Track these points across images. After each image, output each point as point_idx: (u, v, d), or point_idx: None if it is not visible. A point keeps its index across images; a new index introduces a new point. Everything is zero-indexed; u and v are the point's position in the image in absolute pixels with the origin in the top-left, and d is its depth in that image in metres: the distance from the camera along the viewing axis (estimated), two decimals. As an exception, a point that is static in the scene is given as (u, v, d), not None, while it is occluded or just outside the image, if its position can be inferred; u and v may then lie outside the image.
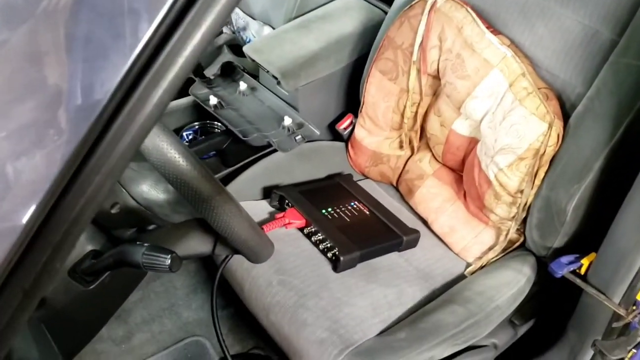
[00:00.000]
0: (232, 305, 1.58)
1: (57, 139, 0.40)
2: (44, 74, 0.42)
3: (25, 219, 0.42)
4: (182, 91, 1.70)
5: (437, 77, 1.35)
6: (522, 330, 1.30)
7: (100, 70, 0.40)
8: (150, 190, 0.84)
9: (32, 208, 0.41)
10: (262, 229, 1.24)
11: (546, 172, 1.16)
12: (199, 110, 1.62)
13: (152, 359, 1.47)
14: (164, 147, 0.72)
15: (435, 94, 1.39)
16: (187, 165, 0.73)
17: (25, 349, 0.72)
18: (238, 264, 1.24)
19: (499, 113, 1.18)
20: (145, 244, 0.78)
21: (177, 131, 1.61)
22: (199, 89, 1.56)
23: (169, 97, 0.45)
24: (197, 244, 0.88)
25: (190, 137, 1.61)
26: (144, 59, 0.42)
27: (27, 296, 0.42)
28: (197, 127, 1.63)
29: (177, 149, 0.73)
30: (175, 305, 1.59)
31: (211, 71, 1.62)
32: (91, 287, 0.84)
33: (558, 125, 1.13)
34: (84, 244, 0.84)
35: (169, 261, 0.76)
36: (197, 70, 1.62)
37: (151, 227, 0.90)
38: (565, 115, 1.16)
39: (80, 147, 0.40)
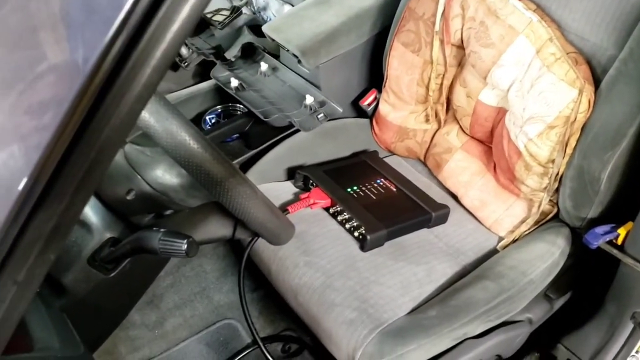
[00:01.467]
0: (262, 288, 1.58)
1: (36, 128, 0.39)
2: (19, 54, 0.41)
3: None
4: (204, 75, 1.69)
5: (461, 47, 1.30)
6: (558, 304, 1.26)
7: (76, 49, 0.38)
8: (164, 175, 0.83)
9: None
10: (287, 210, 1.23)
11: (578, 140, 1.11)
12: (221, 94, 1.61)
13: (185, 343, 1.47)
14: (173, 130, 0.71)
15: (460, 65, 1.34)
16: (198, 148, 0.71)
17: (46, 339, 0.71)
18: (265, 245, 1.23)
19: (527, 81, 1.14)
20: (162, 230, 0.77)
21: (200, 115, 1.60)
22: (220, 72, 1.54)
23: (159, 76, 0.43)
24: (216, 228, 0.87)
25: (213, 120, 1.60)
26: (125, 36, 0.40)
27: (21, 287, 0.41)
28: (219, 110, 1.62)
29: (187, 132, 0.72)
30: (206, 289, 1.59)
31: (232, 53, 1.60)
32: (111, 274, 0.84)
33: (589, 90, 1.08)
34: (102, 232, 0.84)
35: (185, 246, 0.74)
36: (218, 52, 1.60)
37: (168, 212, 0.89)
38: (597, 80, 1.11)
39: (59, 133, 0.38)
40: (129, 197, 0.83)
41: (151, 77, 0.43)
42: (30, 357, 0.66)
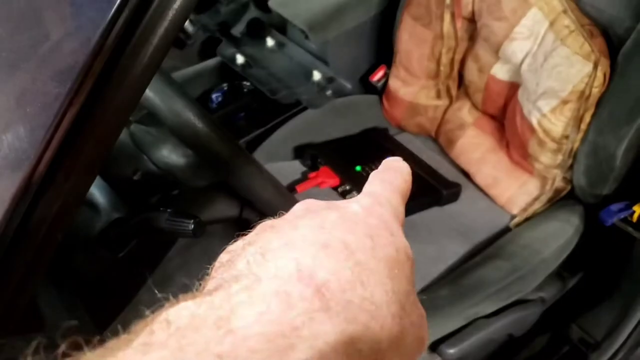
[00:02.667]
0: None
1: (41, 108, 0.38)
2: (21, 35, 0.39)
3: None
4: (210, 52, 1.67)
5: (472, 20, 1.27)
6: (571, 283, 1.24)
7: (79, 29, 0.37)
8: (170, 155, 0.81)
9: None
10: (295, 189, 1.22)
11: (593, 116, 1.09)
12: (228, 71, 1.59)
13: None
14: (178, 109, 0.70)
15: (472, 39, 1.31)
16: (203, 128, 0.70)
17: (56, 319, 0.71)
18: (273, 225, 1.22)
19: (540, 55, 1.11)
20: (169, 210, 0.76)
21: (207, 93, 1.58)
22: (226, 49, 1.52)
23: (162, 54, 0.42)
24: (223, 208, 0.86)
25: (219, 99, 1.58)
26: (127, 13, 0.38)
27: (29, 268, 0.41)
28: (225, 88, 1.60)
29: (192, 111, 0.70)
30: (215, 269, 1.58)
31: (238, 29, 1.57)
32: (120, 254, 0.83)
33: (604, 64, 1.05)
34: (110, 212, 0.82)
35: (192, 226, 0.73)
36: (224, 29, 1.58)
37: (175, 192, 0.88)
38: (613, 53, 1.07)
39: (64, 112, 0.37)
40: (135, 177, 0.82)
41: (154, 55, 0.42)
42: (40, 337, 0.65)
